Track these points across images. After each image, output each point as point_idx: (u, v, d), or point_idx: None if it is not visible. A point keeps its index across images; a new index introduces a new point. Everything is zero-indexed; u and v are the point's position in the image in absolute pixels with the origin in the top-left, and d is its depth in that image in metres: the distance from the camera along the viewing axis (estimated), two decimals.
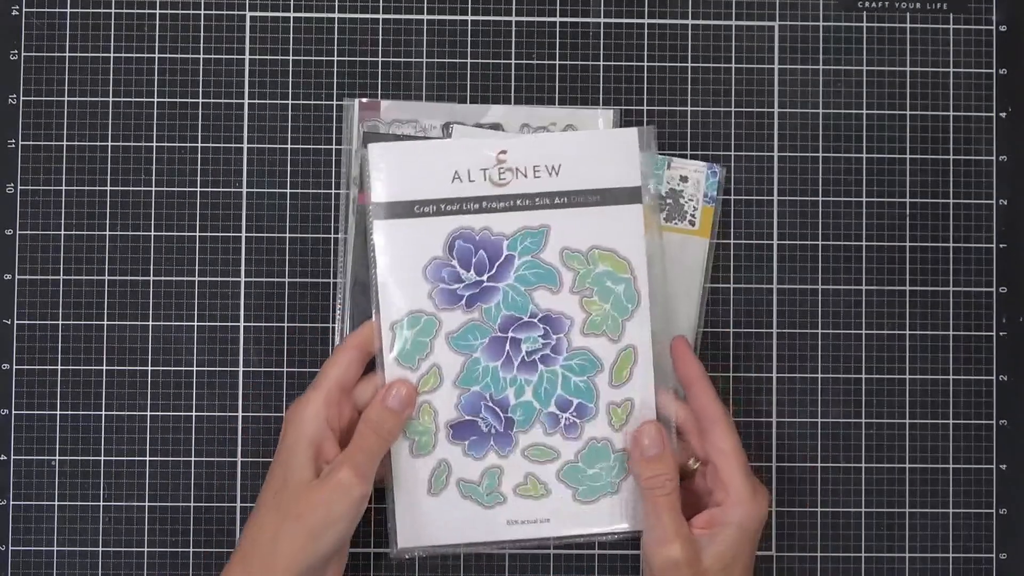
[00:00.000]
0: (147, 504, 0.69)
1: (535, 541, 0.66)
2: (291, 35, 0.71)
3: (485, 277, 0.65)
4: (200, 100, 0.70)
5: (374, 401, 0.64)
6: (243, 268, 0.70)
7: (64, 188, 0.70)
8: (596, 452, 0.66)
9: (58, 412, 0.70)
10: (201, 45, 0.70)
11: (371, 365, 0.66)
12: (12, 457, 0.69)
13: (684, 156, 0.70)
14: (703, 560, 0.62)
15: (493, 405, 0.65)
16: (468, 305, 0.65)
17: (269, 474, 0.63)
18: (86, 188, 0.70)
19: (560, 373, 0.66)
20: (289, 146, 0.70)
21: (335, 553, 0.62)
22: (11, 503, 0.69)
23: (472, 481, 0.66)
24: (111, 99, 0.70)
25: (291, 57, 0.71)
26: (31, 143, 0.70)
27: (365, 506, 0.62)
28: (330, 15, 0.71)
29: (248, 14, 0.71)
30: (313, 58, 0.71)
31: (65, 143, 0.70)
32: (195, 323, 0.70)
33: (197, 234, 0.70)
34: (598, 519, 0.66)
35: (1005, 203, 0.71)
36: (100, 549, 0.69)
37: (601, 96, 0.71)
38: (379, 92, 0.70)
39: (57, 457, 0.69)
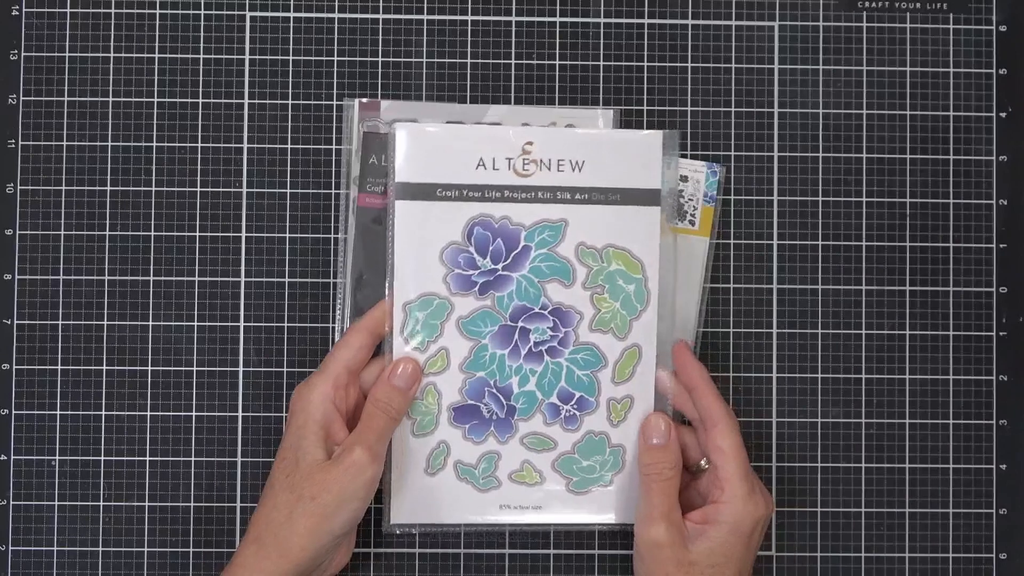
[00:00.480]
0: (147, 504, 0.69)
1: (525, 526, 0.67)
2: (291, 35, 0.71)
3: (500, 266, 0.66)
4: (200, 100, 0.70)
5: (380, 380, 0.64)
6: (243, 268, 0.70)
7: (64, 188, 0.70)
8: (593, 445, 0.67)
9: (58, 412, 0.69)
10: (201, 45, 0.70)
11: (378, 349, 0.66)
12: (12, 457, 0.69)
13: (684, 156, 0.70)
14: (690, 551, 0.62)
15: (497, 392, 0.66)
16: (481, 292, 0.66)
17: (278, 457, 0.63)
18: (86, 188, 0.70)
19: (565, 366, 0.66)
20: (289, 146, 0.70)
21: (346, 534, 0.63)
22: (11, 503, 0.69)
23: (469, 464, 0.67)
24: (111, 99, 0.70)
25: (291, 57, 0.71)
26: (31, 143, 0.70)
27: (376, 486, 0.62)
28: (330, 15, 0.71)
29: (248, 14, 0.71)
30: (313, 58, 0.71)
31: (65, 143, 0.70)
32: (195, 323, 0.70)
33: (197, 234, 0.70)
34: (588, 509, 0.67)
35: (1005, 203, 0.71)
36: (100, 549, 0.69)
37: (601, 96, 0.71)
38: (379, 92, 0.70)
39: (57, 457, 0.69)
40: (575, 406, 0.67)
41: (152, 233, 0.70)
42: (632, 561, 0.65)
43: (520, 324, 0.66)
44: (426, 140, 0.66)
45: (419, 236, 0.66)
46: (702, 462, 0.66)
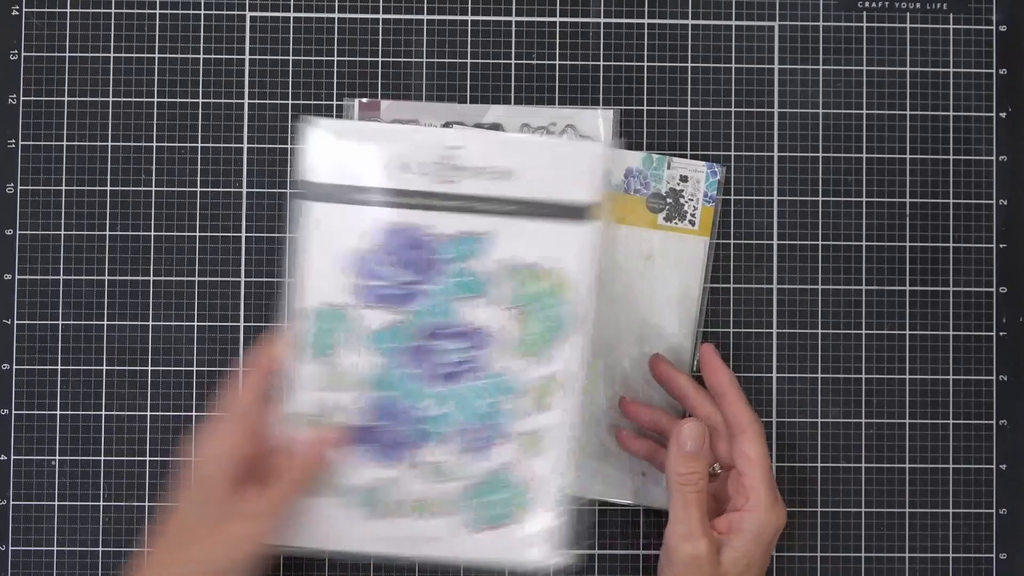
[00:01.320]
0: (147, 504, 0.69)
1: (416, 559, 0.64)
2: (291, 35, 0.71)
3: (415, 279, 0.61)
4: (200, 100, 0.70)
5: (304, 445, 0.61)
6: (243, 268, 0.70)
7: (64, 188, 0.70)
8: (500, 478, 0.62)
9: (58, 412, 0.69)
10: (201, 45, 0.70)
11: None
12: (12, 457, 0.69)
13: (684, 156, 0.70)
14: (720, 562, 0.62)
15: (402, 414, 0.61)
16: (393, 306, 0.61)
17: (185, 490, 0.62)
18: (86, 188, 0.70)
19: (477, 391, 0.61)
20: (289, 146, 0.70)
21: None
22: (11, 503, 0.69)
23: (363, 488, 0.61)
24: (111, 99, 0.70)
25: (291, 57, 0.71)
26: (31, 143, 0.70)
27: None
28: (330, 15, 0.71)
29: (248, 14, 0.71)
30: (313, 58, 0.71)
31: (65, 143, 0.70)
32: (195, 323, 0.70)
33: (197, 234, 0.70)
34: (491, 546, 0.62)
35: (1005, 203, 0.71)
36: (100, 549, 0.69)
37: (601, 96, 0.71)
38: (379, 92, 0.70)
39: (57, 457, 0.69)
40: (484, 435, 0.61)
41: (152, 233, 0.70)
42: (631, 560, 0.65)
43: (432, 343, 0.61)
44: (342, 138, 0.61)
45: (327, 242, 0.60)
46: (714, 467, 0.66)
